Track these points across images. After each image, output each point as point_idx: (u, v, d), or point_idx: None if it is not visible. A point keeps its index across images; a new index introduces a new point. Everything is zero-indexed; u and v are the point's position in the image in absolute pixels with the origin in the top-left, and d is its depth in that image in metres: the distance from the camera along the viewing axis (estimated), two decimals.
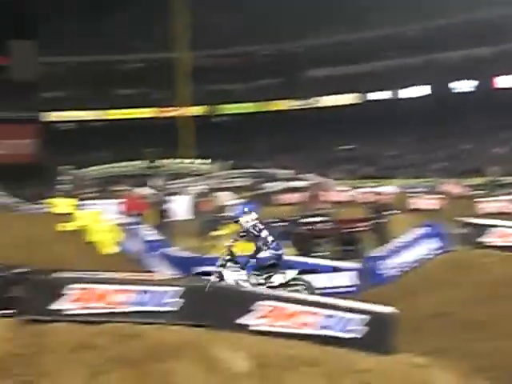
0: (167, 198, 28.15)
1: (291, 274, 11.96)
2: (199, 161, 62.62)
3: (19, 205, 45.49)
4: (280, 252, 12.23)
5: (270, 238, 12.15)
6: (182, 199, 32.36)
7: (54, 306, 7.74)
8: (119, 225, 20.73)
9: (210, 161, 62.25)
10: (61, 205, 31.41)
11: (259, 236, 12.16)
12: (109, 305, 7.77)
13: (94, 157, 66.61)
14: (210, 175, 52.86)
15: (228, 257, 12.04)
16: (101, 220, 22.26)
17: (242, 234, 12.27)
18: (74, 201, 32.21)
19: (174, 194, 33.25)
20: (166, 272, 14.48)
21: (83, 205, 30.63)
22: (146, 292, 7.83)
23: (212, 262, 12.81)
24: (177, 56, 69.04)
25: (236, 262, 11.99)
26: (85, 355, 7.28)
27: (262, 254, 12.02)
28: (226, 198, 25.58)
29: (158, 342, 7.43)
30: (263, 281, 11.80)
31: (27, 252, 14.90)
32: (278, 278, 11.81)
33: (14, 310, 7.92)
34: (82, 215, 26.18)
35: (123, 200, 27.29)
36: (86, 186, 43.89)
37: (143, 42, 73.95)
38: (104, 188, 45.67)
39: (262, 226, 12.27)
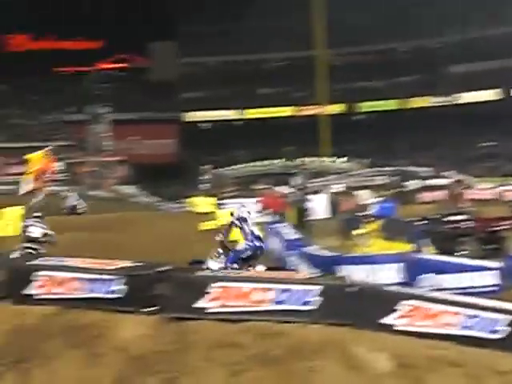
0: (307, 196, 28.16)
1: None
2: (339, 159, 62.37)
3: (161, 204, 46.53)
4: (258, 244, 12.12)
5: (252, 231, 12.19)
6: (321, 198, 32.31)
7: (198, 304, 7.82)
8: (259, 223, 20.86)
9: (346, 159, 61.99)
10: (202, 204, 32.02)
11: (242, 228, 12.21)
12: (250, 303, 7.79)
13: (233, 156, 67.31)
14: (350, 173, 52.56)
15: (220, 250, 12.12)
16: None
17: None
18: (214, 200, 32.67)
19: (314, 192, 33.25)
20: (305, 271, 14.44)
21: (223, 204, 31.01)
22: (286, 290, 7.80)
23: (353, 260, 12.72)
24: (316, 54, 69.05)
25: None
26: (227, 353, 7.31)
27: (238, 246, 12.07)
28: (365, 197, 25.34)
29: (300, 340, 7.39)
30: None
31: (170, 250, 15.16)
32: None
33: (158, 308, 8.05)
34: (222, 214, 26.56)
35: (262, 199, 27.46)
36: (225, 185, 44.47)
37: (282, 40, 74.20)
38: (244, 187, 46.09)
39: (247, 218, 12.34)
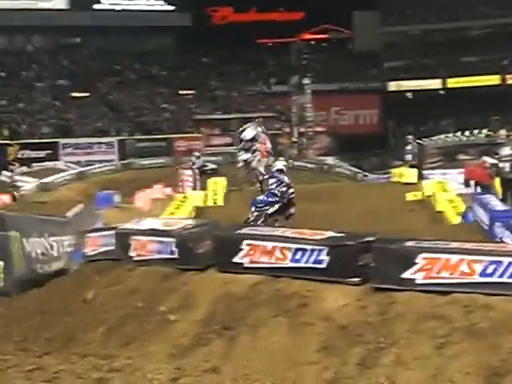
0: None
1: None
2: None
3: (364, 175, 46.44)
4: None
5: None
6: None
7: (404, 275, 7.71)
8: (463, 195, 20.38)
9: None
10: (407, 175, 31.73)
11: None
12: (458, 275, 7.59)
13: (436, 126, 66.15)
14: None
15: None
16: (447, 190, 22.09)
17: None
18: (419, 171, 32.18)
19: None
20: None
21: (428, 174, 30.53)
22: (495, 262, 7.54)
23: None
24: None
25: None
26: (432, 325, 7.17)
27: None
28: None
29: (508, 314, 7.15)
30: None
31: (377, 220, 15.11)
32: None
33: (363, 279, 8.01)
34: (428, 185, 26.20)
35: (466, 169, 26.84)
36: (429, 156, 43.75)
37: (488, 7, 71.92)
38: (448, 158, 45.20)
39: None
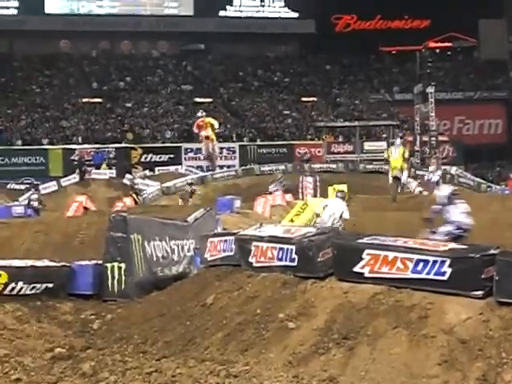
0: None
1: None
2: None
3: (489, 185, 45.45)
4: None
5: None
6: None
7: None
8: None
9: None
10: None
11: None
12: None
13: None
14: None
15: None
16: None
17: None
18: None
19: None
20: None
21: None
22: None
23: None
24: None
25: None
26: None
27: None
28: None
29: None
30: None
31: (499, 233, 14.75)
32: None
33: (485, 292, 7.82)
34: None
35: None
36: None
37: None
38: None
39: None
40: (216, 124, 29.69)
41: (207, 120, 29.53)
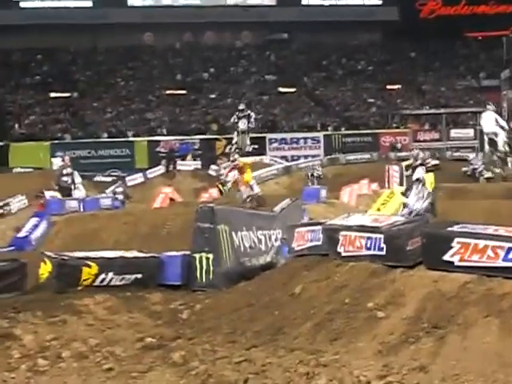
0: None
1: None
2: None
3: None
4: None
5: None
6: None
7: None
8: None
9: None
10: None
11: None
12: None
13: None
14: None
15: None
16: None
17: None
18: None
19: None
20: None
21: None
22: None
23: None
24: None
25: None
26: None
27: None
28: None
29: None
30: None
31: None
32: None
33: None
34: None
35: None
36: None
37: None
38: None
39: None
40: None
41: (243, 161, 27.08)
